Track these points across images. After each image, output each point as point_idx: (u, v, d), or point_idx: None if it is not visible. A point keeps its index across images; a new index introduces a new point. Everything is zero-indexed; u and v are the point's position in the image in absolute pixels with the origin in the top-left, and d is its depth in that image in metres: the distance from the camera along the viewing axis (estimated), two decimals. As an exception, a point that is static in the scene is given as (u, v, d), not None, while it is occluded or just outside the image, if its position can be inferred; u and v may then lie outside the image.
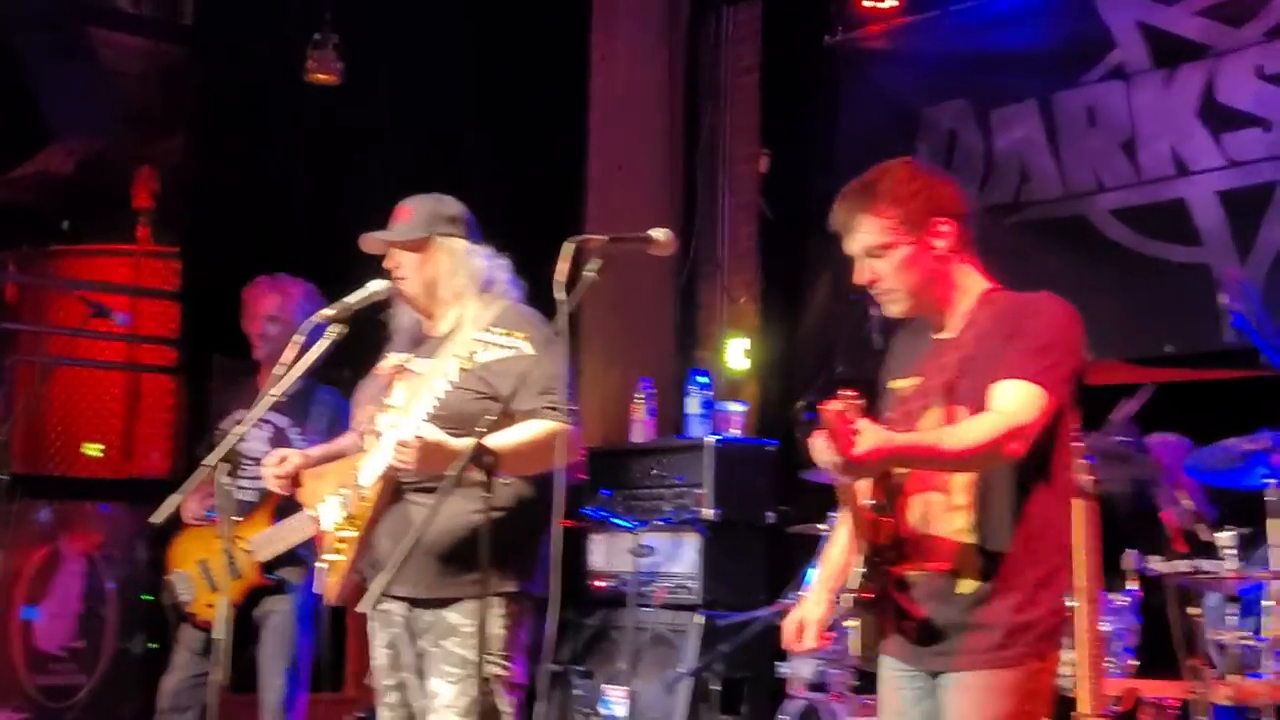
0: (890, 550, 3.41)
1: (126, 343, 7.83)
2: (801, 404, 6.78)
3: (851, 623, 3.51)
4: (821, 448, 3.10)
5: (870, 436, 3.07)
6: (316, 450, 4.60)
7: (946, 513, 3.40)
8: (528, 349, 3.68)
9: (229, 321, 6.09)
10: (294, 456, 4.38)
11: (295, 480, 4.33)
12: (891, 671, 3.53)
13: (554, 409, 3.96)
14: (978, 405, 3.31)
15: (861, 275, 3.48)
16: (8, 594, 6.42)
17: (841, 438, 3.04)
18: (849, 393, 3.08)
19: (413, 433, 3.87)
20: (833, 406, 3.04)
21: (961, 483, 3.37)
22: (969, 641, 3.34)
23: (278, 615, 5.54)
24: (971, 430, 3.25)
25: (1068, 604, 3.44)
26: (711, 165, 7.99)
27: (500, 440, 3.80)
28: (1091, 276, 6.49)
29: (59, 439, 7.95)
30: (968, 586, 3.35)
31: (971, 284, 3.49)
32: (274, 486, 4.34)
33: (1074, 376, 3.35)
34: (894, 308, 3.49)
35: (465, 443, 3.72)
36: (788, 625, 3.70)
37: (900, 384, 3.55)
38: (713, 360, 7.58)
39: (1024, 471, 3.31)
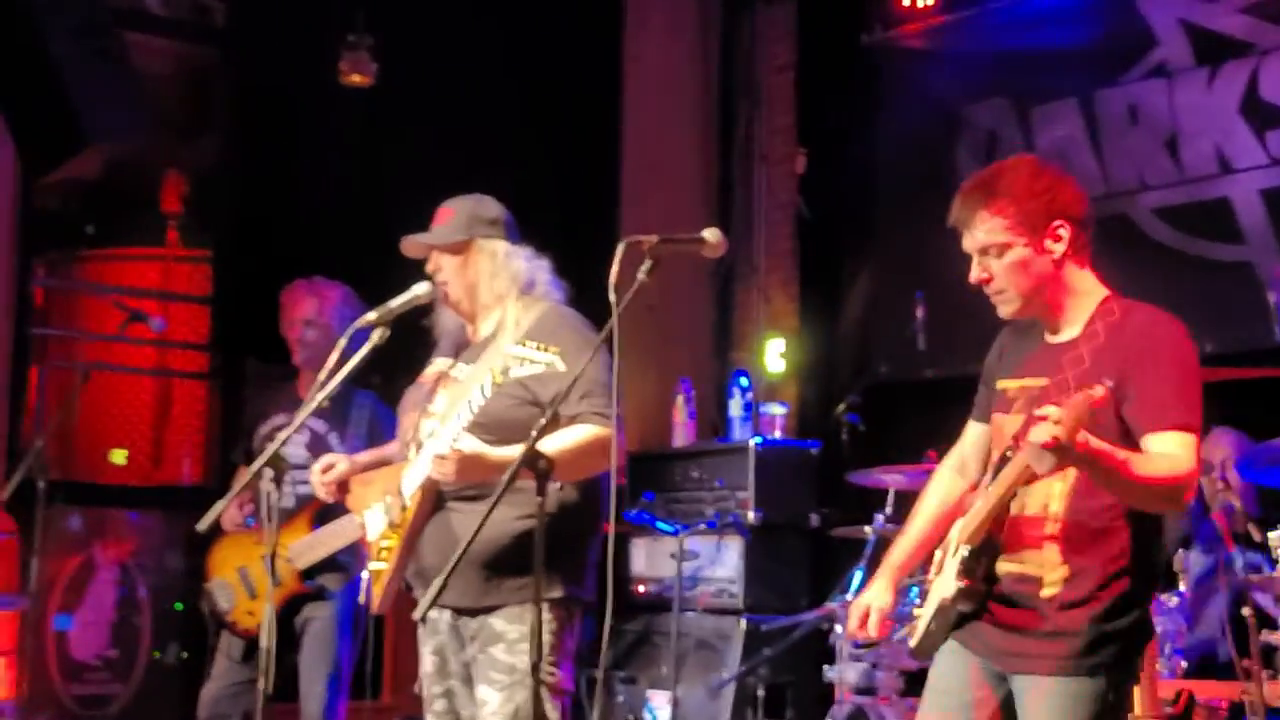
0: (997, 542, 3.39)
1: (157, 348, 7.80)
2: (843, 406, 6.76)
3: (919, 610, 3.51)
4: (1045, 426, 3.00)
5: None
6: (364, 456, 4.58)
7: (1040, 515, 3.38)
8: (560, 365, 3.66)
9: (261, 326, 6.06)
10: (341, 463, 4.35)
11: (343, 487, 4.31)
12: (951, 654, 3.50)
13: (598, 413, 3.92)
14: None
15: (975, 273, 3.43)
16: (42, 602, 6.39)
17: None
18: (1109, 381, 3.06)
19: (450, 445, 3.84)
20: (1098, 392, 3.00)
21: (1059, 489, 3.35)
22: (1051, 646, 3.32)
23: (318, 622, 5.50)
24: (1158, 464, 3.21)
25: (1147, 613, 3.39)
26: (747, 165, 7.95)
27: (550, 445, 3.75)
28: (1133, 276, 6.29)
29: (88, 446, 7.94)
30: (1053, 590, 3.34)
31: (1088, 289, 3.45)
32: (321, 493, 4.32)
33: None
34: (1006, 308, 3.45)
35: (507, 451, 3.71)
36: (854, 612, 3.67)
37: (1010, 384, 3.52)
38: (750, 362, 7.53)
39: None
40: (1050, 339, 3.49)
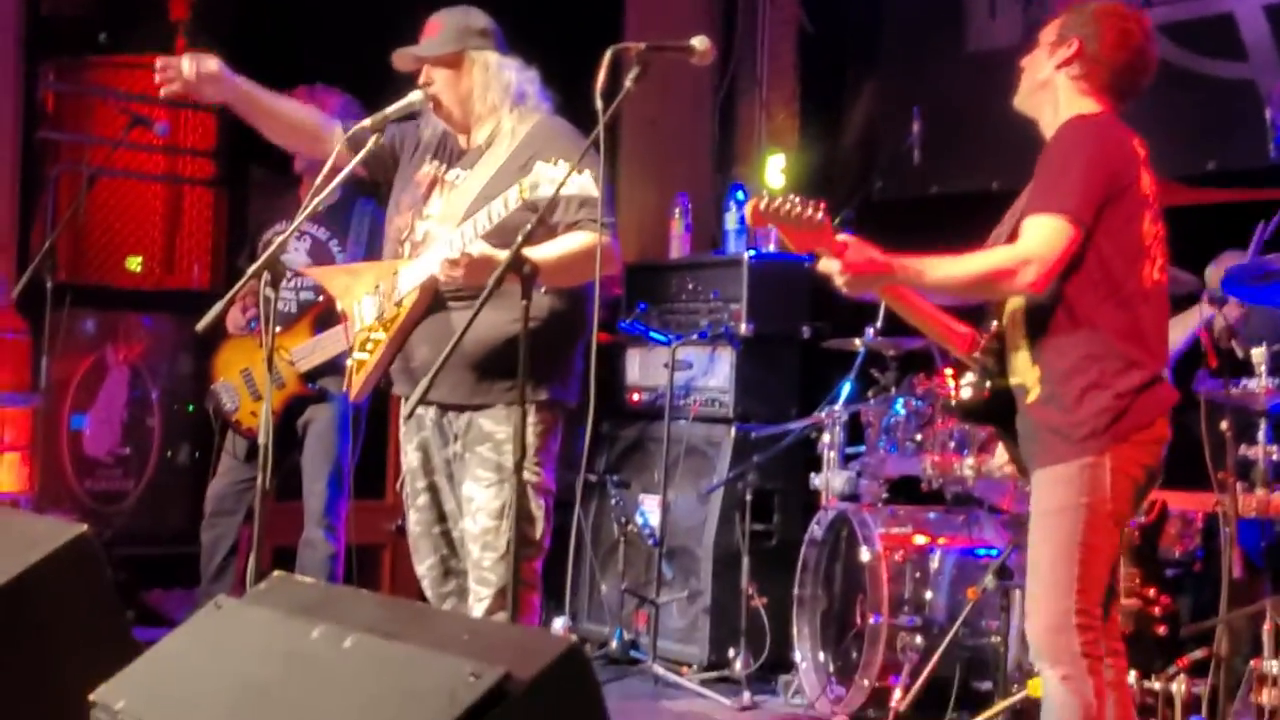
0: (994, 360, 3.67)
1: (166, 155, 7.86)
2: (838, 221, 6.78)
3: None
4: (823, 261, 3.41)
5: (856, 253, 3.34)
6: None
7: (1013, 327, 3.63)
8: (593, 191, 3.74)
9: (267, 133, 6.11)
10: None
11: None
12: None
13: (595, 220, 3.99)
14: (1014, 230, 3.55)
15: None
16: (55, 400, 6.53)
17: (792, 236, 3.34)
18: (774, 198, 3.33)
19: (461, 248, 3.92)
20: (748, 204, 3.35)
21: (1018, 301, 3.59)
22: (1034, 445, 3.59)
23: (320, 423, 5.65)
24: (977, 260, 3.49)
25: (1124, 400, 3.50)
26: (751, -23, 7.85)
27: (540, 251, 3.84)
28: (1136, 93, 6.41)
29: (101, 251, 8.03)
30: (1031, 395, 3.58)
31: (1074, 110, 3.64)
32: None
33: (1104, 190, 3.50)
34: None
35: (507, 254, 3.77)
36: None
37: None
38: (750, 177, 7.55)
39: (1068, 286, 3.50)
40: None
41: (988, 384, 3.65)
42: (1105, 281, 3.50)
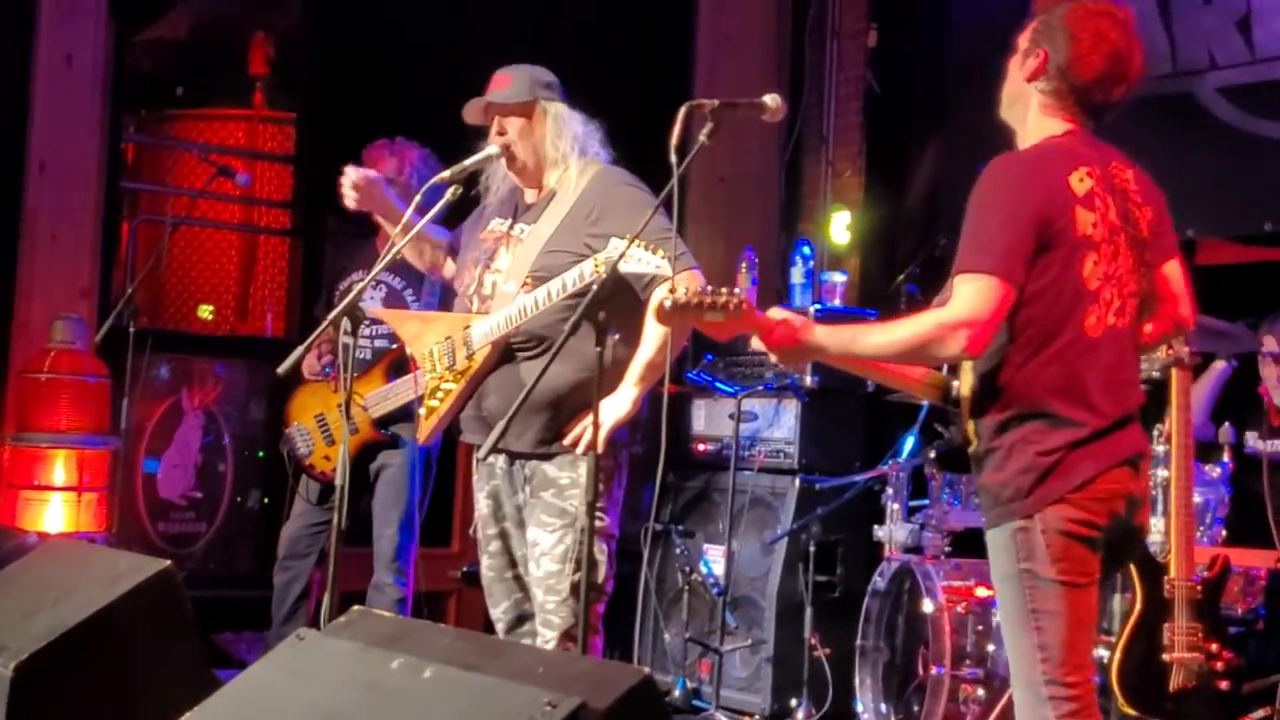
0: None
1: (243, 206, 8.03)
2: (903, 277, 6.87)
3: None
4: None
5: (782, 331, 3.23)
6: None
7: (964, 381, 3.47)
8: (667, 271, 3.75)
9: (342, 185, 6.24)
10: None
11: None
12: None
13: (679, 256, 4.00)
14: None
15: None
16: (132, 443, 6.66)
17: (712, 328, 3.19)
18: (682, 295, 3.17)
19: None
20: (653, 305, 3.23)
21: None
22: (983, 504, 3.44)
23: (392, 469, 5.74)
24: (906, 327, 3.29)
25: (1049, 458, 3.29)
26: (820, 38, 7.94)
27: (642, 354, 4.09)
28: (1193, 156, 6.46)
29: (177, 298, 8.21)
30: (972, 447, 3.44)
31: (1031, 132, 3.47)
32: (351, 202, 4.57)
33: (1033, 240, 3.25)
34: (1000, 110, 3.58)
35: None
36: None
37: None
38: (816, 233, 7.63)
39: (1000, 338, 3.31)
40: None
41: (959, 433, 3.52)
42: (1034, 336, 3.30)
